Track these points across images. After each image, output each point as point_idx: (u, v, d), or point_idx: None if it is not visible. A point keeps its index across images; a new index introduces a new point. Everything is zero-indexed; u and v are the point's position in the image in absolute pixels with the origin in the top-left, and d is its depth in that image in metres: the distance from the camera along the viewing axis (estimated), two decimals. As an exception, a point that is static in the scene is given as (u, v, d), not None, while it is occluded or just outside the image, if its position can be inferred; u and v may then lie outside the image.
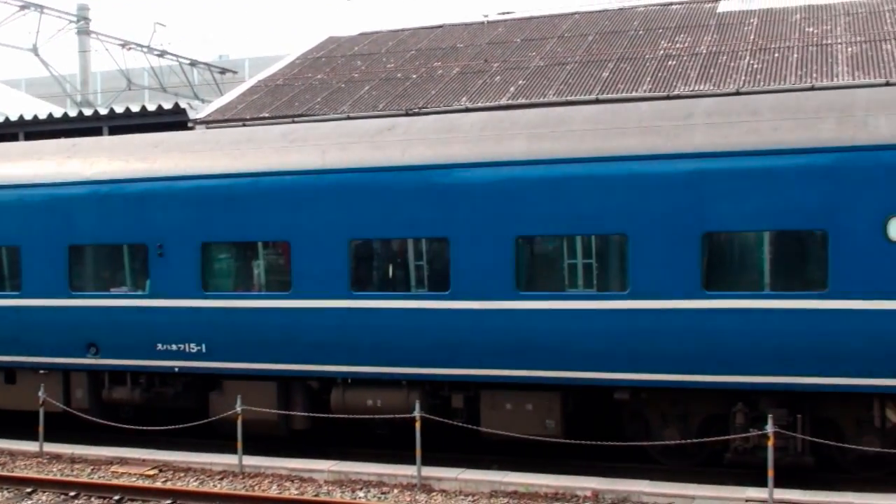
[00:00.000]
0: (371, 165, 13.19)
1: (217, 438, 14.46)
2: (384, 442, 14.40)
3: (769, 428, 10.92)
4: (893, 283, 11.10)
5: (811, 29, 18.28)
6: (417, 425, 12.26)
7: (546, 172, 12.36)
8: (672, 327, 11.76)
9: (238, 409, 13.01)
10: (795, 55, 17.03)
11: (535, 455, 13.51)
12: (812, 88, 14.91)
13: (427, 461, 12.43)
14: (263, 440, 14.05)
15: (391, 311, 13.01)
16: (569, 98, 16.46)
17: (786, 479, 11.54)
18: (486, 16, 23.54)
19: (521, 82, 18.02)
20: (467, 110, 16.18)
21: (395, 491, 12.03)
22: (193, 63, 30.90)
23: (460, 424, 13.01)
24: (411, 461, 12.36)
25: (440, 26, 23.50)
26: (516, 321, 12.38)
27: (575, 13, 22.25)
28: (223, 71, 31.97)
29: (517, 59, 19.58)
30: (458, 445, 14.04)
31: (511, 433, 12.75)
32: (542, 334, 12.29)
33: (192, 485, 12.60)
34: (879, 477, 12.00)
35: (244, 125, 17.40)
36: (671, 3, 21.67)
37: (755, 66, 16.80)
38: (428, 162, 12.92)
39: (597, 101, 15.76)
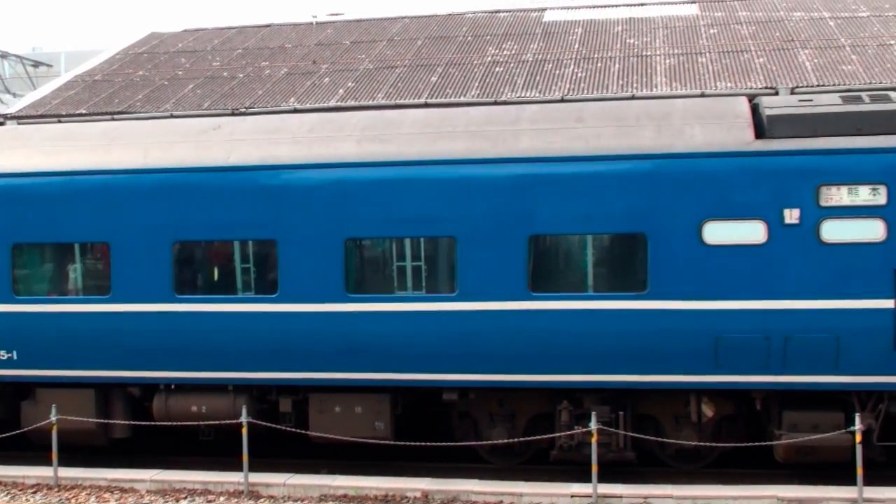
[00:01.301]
0: (196, 165, 12.96)
1: (34, 450, 13.83)
2: (212, 449, 14.13)
3: (593, 425, 11.36)
4: (708, 284, 11.76)
5: (632, 40, 19.09)
6: (244, 431, 12.11)
7: (375, 175, 12.46)
8: (499, 328, 12.07)
9: (53, 418, 12.50)
10: (617, 65, 17.74)
11: (367, 457, 13.57)
12: (633, 97, 15.57)
13: (256, 467, 12.29)
14: (84, 451, 13.54)
15: (217, 314, 12.81)
16: (398, 101, 16.59)
17: (609, 474, 12.02)
18: (314, 17, 23.43)
19: (350, 84, 18.05)
20: (296, 111, 16.07)
21: (222, 499, 11.84)
22: (4, 55, 29.41)
23: (288, 429, 12.92)
24: (239, 468, 12.19)
25: (267, 26, 23.23)
26: (345, 324, 12.42)
27: (404, 17, 22.45)
28: (36, 64, 30.55)
29: (346, 60, 19.61)
30: (288, 451, 13.92)
31: (340, 436, 12.77)
32: (371, 336, 12.38)
33: (1, 500, 12.01)
34: (697, 469, 12.68)
35: (60, 122, 16.70)
36: (499, 11, 22.17)
37: (579, 74, 17.41)
38: (255, 163, 12.80)
39: (426, 105, 15.95)
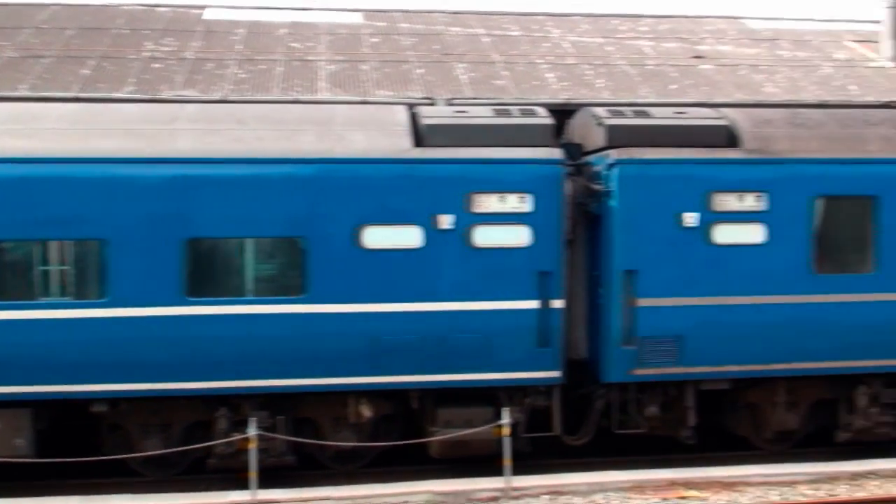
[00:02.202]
0: None
1: None
2: None
3: (251, 431, 11.40)
4: (367, 287, 12.19)
5: (296, 44, 19.35)
6: None
7: (17, 173, 11.72)
8: (153, 336, 11.80)
9: None
10: (280, 68, 17.92)
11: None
12: (296, 102, 15.80)
13: None
14: None
15: None
16: (45, 94, 15.76)
17: (270, 479, 12.10)
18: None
19: (-10, 74, 16.89)
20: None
21: None
22: None
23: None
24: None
25: None
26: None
27: (54, 4, 21.33)
28: None
29: (-14, 48, 18.32)
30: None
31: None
32: (8, 347, 11.64)
33: None
34: (357, 469, 13.07)
35: None
36: (158, 6, 21.65)
37: (242, 75, 17.40)
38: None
39: (76, 100, 15.28)
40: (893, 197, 13.25)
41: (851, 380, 13.56)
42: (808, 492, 11.87)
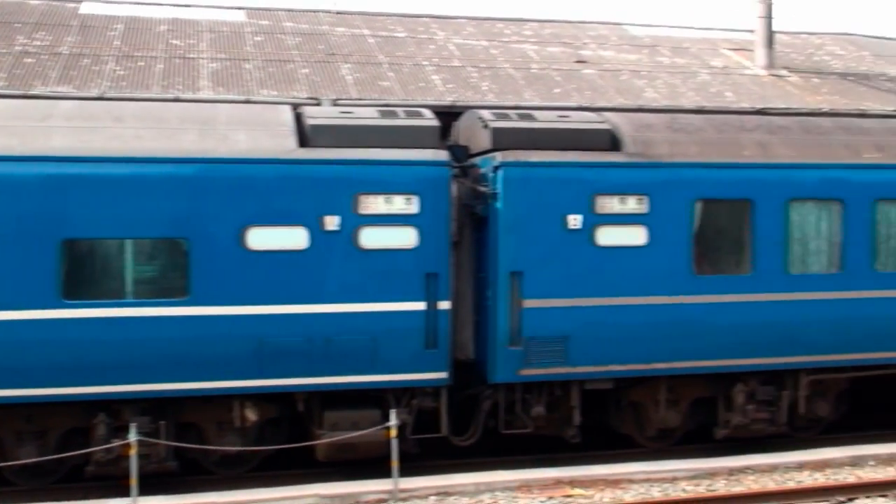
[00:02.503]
0: None
1: None
2: None
3: (132, 437, 11.16)
4: (252, 289, 12.07)
5: (176, 41, 19.01)
6: None
7: None
8: (28, 339, 11.44)
9: None
10: (160, 65, 17.58)
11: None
12: (177, 100, 15.53)
13: None
14: None
15: None
16: None
17: (152, 487, 11.86)
18: None
19: None
20: None
21: None
22: None
23: None
24: None
25: None
26: None
27: (-83, -5, 20.47)
28: None
29: None
30: None
31: None
32: None
33: None
34: (242, 474, 12.92)
35: None
36: (30, -1, 20.99)
37: (120, 72, 17.01)
38: None
39: (-57, 95, 14.71)
40: (768, 200, 13.79)
41: (730, 378, 14.04)
42: (688, 487, 12.25)
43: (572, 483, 12.22)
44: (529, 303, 12.90)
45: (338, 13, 22.25)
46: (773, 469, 12.93)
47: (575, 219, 13.09)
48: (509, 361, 12.89)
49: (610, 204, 13.27)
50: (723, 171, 13.73)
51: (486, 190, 13.05)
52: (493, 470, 12.73)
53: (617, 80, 19.96)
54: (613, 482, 12.30)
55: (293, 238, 12.25)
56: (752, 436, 14.30)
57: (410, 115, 13.29)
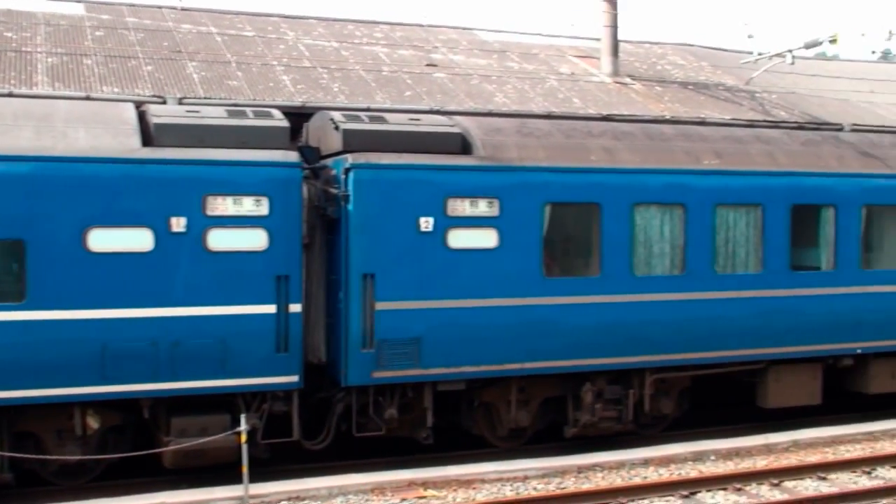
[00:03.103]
0: None
1: None
2: None
3: (-37, 448, 10.73)
4: (94, 292, 11.76)
5: (10, 34, 18.33)
6: None
7: None
8: None
9: None
10: (-7, 60, 16.93)
11: None
12: (11, 95, 14.98)
13: None
14: None
15: None
16: None
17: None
18: None
19: None
20: None
21: None
22: None
23: None
24: None
25: None
26: None
27: None
28: None
29: None
30: None
31: None
32: None
33: None
34: (84, 484, 12.56)
35: None
36: None
37: (-52, 65, 16.30)
38: None
39: None
40: (614, 204, 14.31)
41: (579, 378, 14.48)
42: (539, 486, 12.58)
43: (425, 484, 12.38)
44: (382, 305, 13.01)
45: (183, 10, 21.88)
46: (620, 466, 13.41)
47: (427, 221, 13.27)
48: (362, 364, 12.96)
49: (461, 207, 13.51)
50: (571, 176, 14.16)
51: (338, 192, 13.09)
52: (345, 473, 12.78)
53: (467, 84, 20.30)
54: (466, 482, 12.52)
55: (137, 239, 12.01)
56: (600, 434, 14.79)
57: (260, 115, 13.22)
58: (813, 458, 14.02)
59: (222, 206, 12.39)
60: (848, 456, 14.08)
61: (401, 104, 17.98)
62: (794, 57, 23.04)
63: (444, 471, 12.84)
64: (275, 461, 13.24)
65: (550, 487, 12.53)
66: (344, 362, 12.97)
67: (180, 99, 16.21)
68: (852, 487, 12.59)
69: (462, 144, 13.87)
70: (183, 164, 12.25)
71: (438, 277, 13.30)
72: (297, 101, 17.22)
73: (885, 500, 12.10)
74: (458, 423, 14.74)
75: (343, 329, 12.99)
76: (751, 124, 19.89)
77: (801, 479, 12.99)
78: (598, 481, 12.81)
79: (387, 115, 14.26)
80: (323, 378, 13.49)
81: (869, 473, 13.27)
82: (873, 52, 32.53)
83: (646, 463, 13.56)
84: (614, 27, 22.62)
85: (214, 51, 19.45)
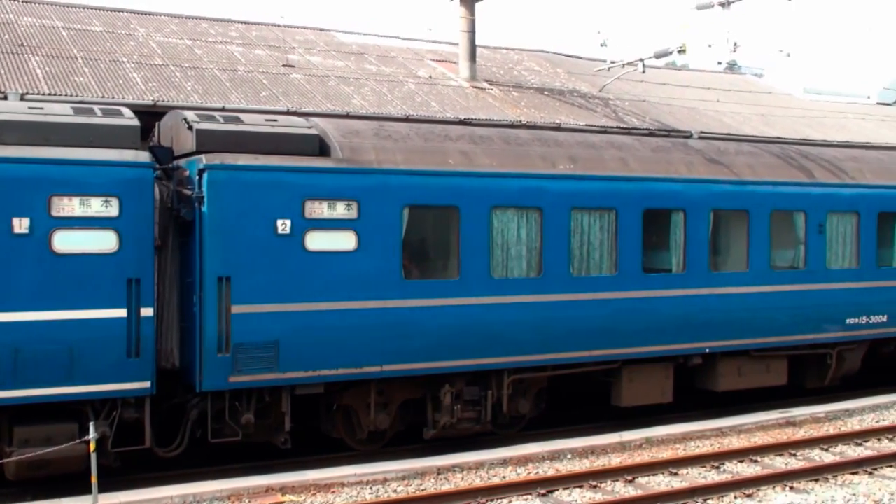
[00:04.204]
0: None
1: None
2: None
3: None
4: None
5: None
6: None
7: None
8: None
9: None
10: None
11: None
12: None
13: None
14: None
15: None
16: None
17: None
18: None
19: None
20: None
21: None
22: None
23: None
24: None
25: None
26: None
27: None
28: None
29: None
30: None
31: None
32: None
33: None
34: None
35: None
36: None
37: None
38: None
39: None
40: (473, 207, 14.55)
41: (438, 380, 14.66)
42: (399, 488, 12.68)
43: (283, 490, 12.32)
44: (238, 308, 12.89)
45: (25, 1, 21.16)
46: (479, 466, 13.62)
47: (284, 223, 13.22)
48: (218, 369, 12.80)
49: (319, 209, 13.52)
50: (430, 179, 14.33)
51: (192, 193, 12.91)
52: (201, 480, 12.60)
53: (325, 85, 20.30)
54: (325, 486, 12.52)
55: (-25, 242, 11.59)
56: (459, 435, 15.00)
57: (108, 113, 12.93)
58: (665, 454, 14.56)
59: (69, 206, 12.07)
60: (698, 451, 14.68)
61: (257, 105, 17.88)
62: (645, 66, 23.89)
63: (303, 475, 12.80)
64: (126, 470, 12.95)
65: (410, 489, 12.65)
66: (199, 367, 12.78)
67: (22, 95, 15.71)
68: (702, 482, 13.12)
69: (320, 146, 13.87)
70: (24, 162, 11.87)
71: (296, 280, 13.26)
72: (149, 99, 16.93)
73: (732, 493, 12.67)
74: (317, 427, 14.71)
75: (198, 333, 12.80)
76: (604, 130, 20.56)
77: (654, 475, 13.47)
78: (458, 482, 13.00)
79: (242, 116, 14.13)
80: (177, 384, 13.26)
81: (718, 468, 13.86)
82: (719, 63, 33.82)
83: (504, 463, 13.82)
84: (472, 32, 22.98)
85: (59, 45, 18.91)
